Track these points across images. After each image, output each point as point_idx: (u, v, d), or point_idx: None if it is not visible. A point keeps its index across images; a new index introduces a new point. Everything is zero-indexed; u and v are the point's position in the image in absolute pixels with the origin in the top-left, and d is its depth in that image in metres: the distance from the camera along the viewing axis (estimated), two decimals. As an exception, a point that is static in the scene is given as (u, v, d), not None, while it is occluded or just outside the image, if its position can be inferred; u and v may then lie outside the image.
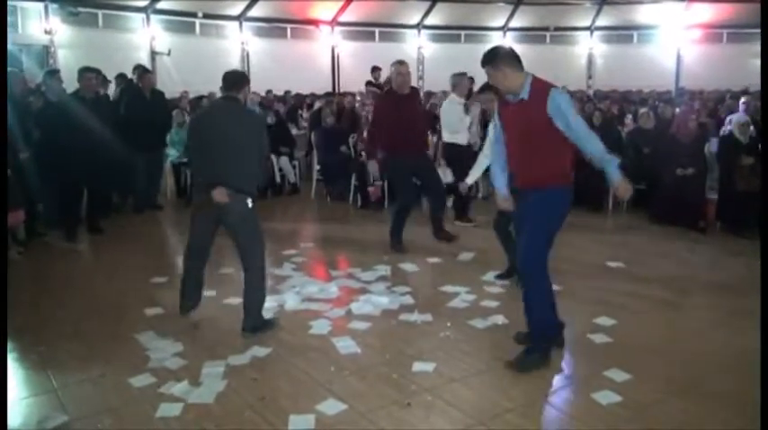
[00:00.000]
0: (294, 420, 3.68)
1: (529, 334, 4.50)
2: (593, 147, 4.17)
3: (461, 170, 7.56)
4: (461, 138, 8.31)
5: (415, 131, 7.16)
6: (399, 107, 7.00)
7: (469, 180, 7.10)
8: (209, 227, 5.08)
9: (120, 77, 10.34)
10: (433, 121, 9.63)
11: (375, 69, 12.86)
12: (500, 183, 4.65)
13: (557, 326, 4.54)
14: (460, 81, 8.34)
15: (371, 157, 7.33)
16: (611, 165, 4.19)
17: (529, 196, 4.36)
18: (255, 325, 4.94)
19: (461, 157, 8.10)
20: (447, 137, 8.40)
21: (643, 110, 10.42)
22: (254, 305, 4.98)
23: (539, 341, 4.40)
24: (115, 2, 17.58)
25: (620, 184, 4.28)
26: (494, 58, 4.27)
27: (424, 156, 7.55)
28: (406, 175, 7.26)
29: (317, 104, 12.74)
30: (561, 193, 4.36)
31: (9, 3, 14.89)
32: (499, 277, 6.17)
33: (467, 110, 8.33)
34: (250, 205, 4.89)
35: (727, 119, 8.69)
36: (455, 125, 8.23)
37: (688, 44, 22.13)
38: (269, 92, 16.88)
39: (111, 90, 10.54)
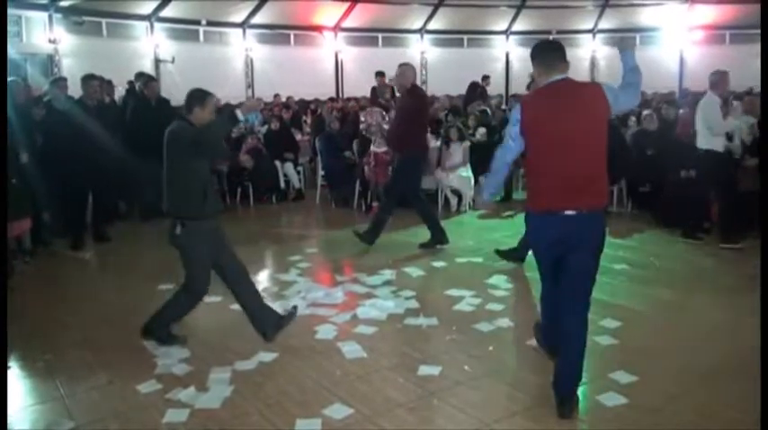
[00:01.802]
0: (301, 424, 3.70)
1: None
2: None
3: (726, 182, 7.47)
4: (718, 144, 7.38)
5: (391, 131, 7.63)
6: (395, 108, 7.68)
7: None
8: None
9: (131, 85, 10.36)
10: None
11: (379, 74, 12.84)
12: None
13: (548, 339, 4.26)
14: (721, 78, 7.41)
15: None
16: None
17: None
18: (152, 330, 4.85)
19: (719, 167, 7.40)
20: (702, 142, 7.43)
21: (647, 111, 10.41)
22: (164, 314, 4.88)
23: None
24: (119, 10, 17.64)
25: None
26: (531, 56, 3.96)
27: (398, 158, 7.85)
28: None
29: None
30: (529, 219, 4.07)
31: (13, 12, 14.99)
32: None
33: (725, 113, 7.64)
34: (178, 231, 4.63)
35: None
36: (713, 127, 7.29)
37: (691, 46, 22.10)
38: (276, 96, 16.94)
39: (118, 95, 10.56)
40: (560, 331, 3.88)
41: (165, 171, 4.62)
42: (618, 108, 3.91)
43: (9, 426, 3.69)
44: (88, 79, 8.23)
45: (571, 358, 3.80)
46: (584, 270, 3.83)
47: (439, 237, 7.40)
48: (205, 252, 4.72)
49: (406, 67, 7.36)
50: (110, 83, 9.70)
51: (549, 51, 3.92)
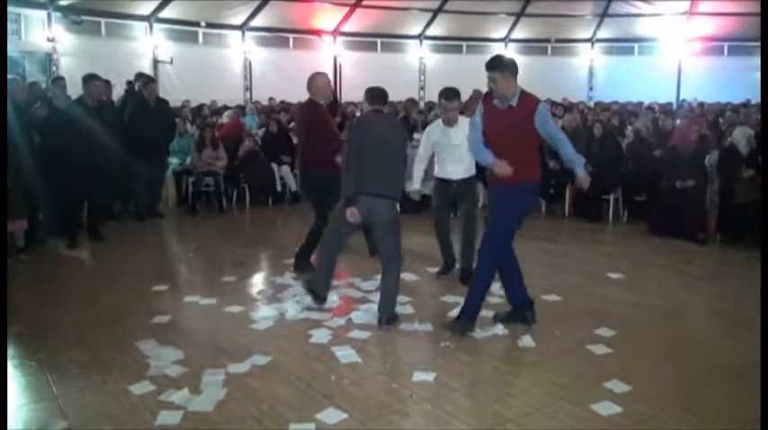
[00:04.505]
0: (294, 429, 3.68)
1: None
2: (569, 149, 4.93)
3: None
4: None
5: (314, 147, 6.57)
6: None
7: (416, 185, 6.66)
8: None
9: (129, 85, 10.30)
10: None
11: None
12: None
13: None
14: None
15: None
16: (580, 164, 4.98)
17: (495, 192, 5.07)
18: (388, 317, 5.29)
19: None
20: None
21: (642, 123, 10.46)
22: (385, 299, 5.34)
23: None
24: (118, 10, 17.63)
25: (583, 178, 5.00)
26: (499, 64, 4.85)
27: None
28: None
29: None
30: (529, 187, 5.03)
31: (12, 10, 14.98)
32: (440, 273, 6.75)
33: None
34: (398, 209, 5.40)
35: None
36: None
37: (689, 56, 22.17)
38: (271, 99, 17.00)
39: (116, 95, 10.53)
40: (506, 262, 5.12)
41: (397, 160, 5.37)
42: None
43: (1, 425, 3.68)
44: (90, 79, 8.22)
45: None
46: None
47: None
48: None
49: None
50: (108, 83, 9.68)
51: None
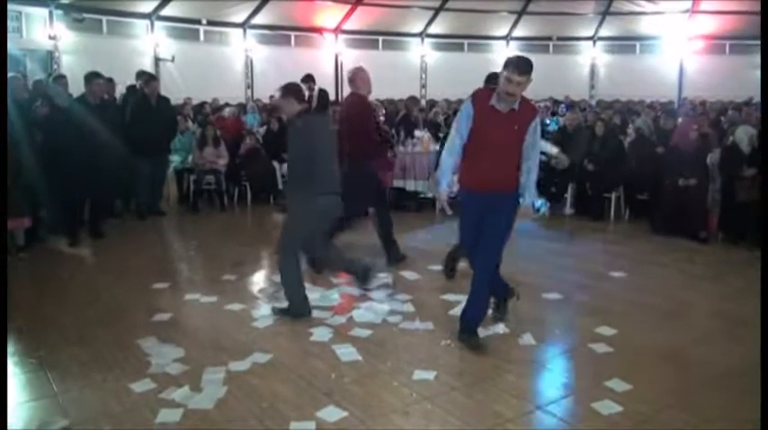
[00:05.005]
0: (294, 427, 3.68)
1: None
2: (535, 174, 4.81)
3: None
4: None
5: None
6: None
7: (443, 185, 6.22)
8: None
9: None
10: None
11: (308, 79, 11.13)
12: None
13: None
14: None
15: None
16: (532, 195, 4.83)
17: (494, 199, 4.72)
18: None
19: None
20: None
21: (643, 120, 10.45)
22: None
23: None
24: (120, 8, 17.65)
25: (526, 209, 4.84)
26: (531, 69, 4.54)
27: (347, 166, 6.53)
28: None
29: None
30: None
31: (14, 8, 14.99)
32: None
33: None
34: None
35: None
36: None
37: (691, 55, 22.15)
38: (272, 97, 16.97)
39: (118, 93, 10.52)
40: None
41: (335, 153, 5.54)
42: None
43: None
44: (92, 77, 8.21)
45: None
46: None
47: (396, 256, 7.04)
48: None
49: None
50: (111, 80, 9.67)
51: None
